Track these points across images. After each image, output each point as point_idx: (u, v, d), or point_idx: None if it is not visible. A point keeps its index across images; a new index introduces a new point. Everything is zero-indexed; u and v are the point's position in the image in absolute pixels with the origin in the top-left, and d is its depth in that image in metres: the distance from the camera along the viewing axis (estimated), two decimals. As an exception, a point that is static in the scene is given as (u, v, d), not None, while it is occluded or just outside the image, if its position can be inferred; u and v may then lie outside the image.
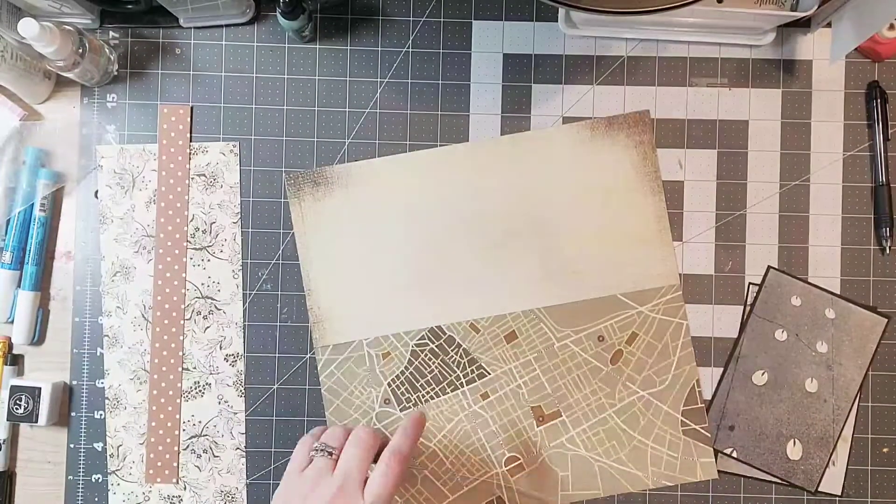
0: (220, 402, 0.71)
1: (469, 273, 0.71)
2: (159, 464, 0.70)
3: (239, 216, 0.71)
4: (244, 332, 0.71)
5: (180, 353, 0.70)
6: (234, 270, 0.71)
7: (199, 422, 0.70)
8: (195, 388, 0.70)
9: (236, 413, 0.71)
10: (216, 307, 0.71)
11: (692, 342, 0.72)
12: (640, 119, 0.72)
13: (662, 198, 0.72)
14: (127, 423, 0.70)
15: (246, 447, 0.71)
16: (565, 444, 0.71)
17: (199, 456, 0.70)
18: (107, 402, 0.70)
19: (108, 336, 0.71)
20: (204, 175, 0.71)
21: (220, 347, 0.71)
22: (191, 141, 0.71)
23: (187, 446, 0.70)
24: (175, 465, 0.70)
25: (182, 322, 0.71)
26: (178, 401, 0.70)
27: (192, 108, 0.72)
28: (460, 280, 0.71)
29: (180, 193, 0.71)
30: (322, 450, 0.58)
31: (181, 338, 0.71)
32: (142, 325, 0.71)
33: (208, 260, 0.71)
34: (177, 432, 0.70)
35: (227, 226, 0.71)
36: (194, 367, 0.71)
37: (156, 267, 0.71)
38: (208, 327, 0.71)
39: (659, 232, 0.72)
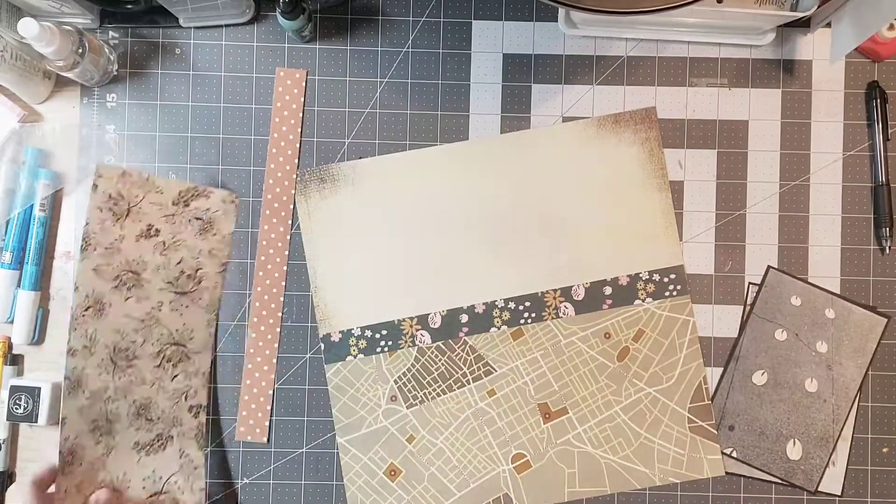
0: (181, 457, 0.68)
1: (477, 270, 0.71)
2: (251, 422, 0.70)
3: (225, 268, 0.70)
4: (245, 333, 0.71)
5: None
6: (209, 320, 0.69)
7: (160, 477, 0.68)
8: (157, 441, 0.67)
9: (196, 468, 0.69)
10: (186, 355, 0.69)
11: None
12: (646, 116, 0.72)
13: (669, 194, 0.72)
14: (81, 482, 0.64)
15: (244, 446, 0.71)
16: (572, 441, 0.71)
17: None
18: (60, 455, 0.63)
19: (69, 378, 0.63)
20: (201, 219, 0.69)
21: (186, 398, 0.69)
22: (304, 107, 0.71)
23: None
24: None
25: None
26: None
27: (306, 73, 0.72)
28: (468, 277, 0.71)
29: (290, 157, 0.70)
30: None
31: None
32: (109, 369, 0.65)
33: (186, 306, 0.69)
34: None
35: (211, 274, 0.69)
36: (158, 418, 0.67)
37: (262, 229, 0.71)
38: (176, 376, 0.68)
39: (665, 228, 0.72)
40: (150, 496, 0.66)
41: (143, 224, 0.67)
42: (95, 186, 0.65)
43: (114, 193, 0.66)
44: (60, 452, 0.63)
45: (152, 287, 0.67)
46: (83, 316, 0.64)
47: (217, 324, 0.70)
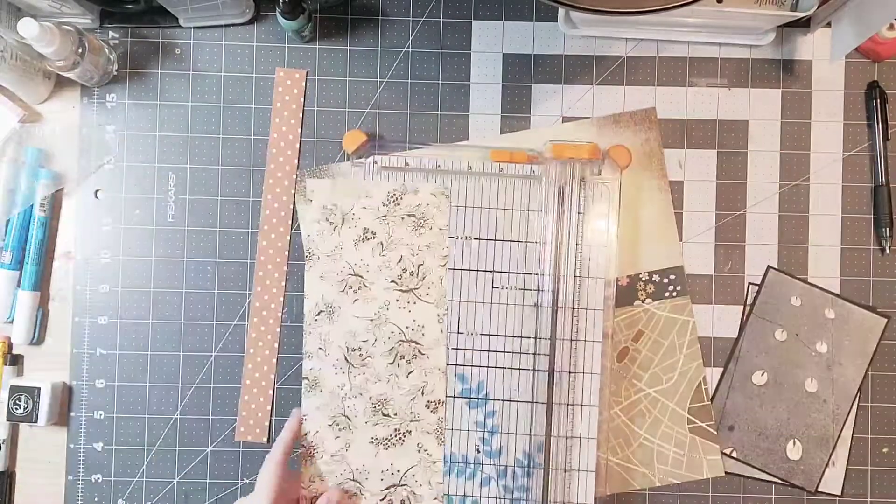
0: (419, 451, 0.69)
1: (475, 269, 0.71)
2: (251, 422, 0.71)
3: (447, 258, 0.69)
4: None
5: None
6: (438, 315, 0.69)
7: (398, 470, 0.68)
8: (395, 436, 0.68)
9: (435, 461, 0.68)
10: (420, 352, 0.69)
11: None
12: (646, 116, 0.72)
13: (669, 194, 0.72)
14: (323, 472, 0.68)
15: (244, 446, 0.71)
16: (567, 444, 0.72)
17: None
18: (301, 449, 0.68)
19: (307, 378, 0.68)
20: (413, 216, 0.69)
21: (422, 394, 0.69)
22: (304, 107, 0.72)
23: (384, 496, 0.68)
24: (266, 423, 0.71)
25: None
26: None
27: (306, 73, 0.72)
28: (466, 276, 0.71)
29: (290, 157, 0.71)
30: None
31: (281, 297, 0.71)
32: (344, 369, 0.68)
33: (414, 303, 0.69)
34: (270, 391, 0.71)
35: (433, 268, 0.69)
36: (395, 414, 0.68)
37: (262, 229, 0.71)
38: (411, 372, 0.69)
39: (665, 228, 0.72)
40: (388, 488, 0.68)
41: (359, 229, 0.69)
42: (310, 200, 0.69)
43: (328, 204, 0.69)
44: (303, 445, 0.67)
45: (377, 288, 0.68)
46: (315, 320, 0.68)
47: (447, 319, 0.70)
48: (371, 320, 0.69)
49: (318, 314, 0.68)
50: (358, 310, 0.69)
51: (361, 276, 0.69)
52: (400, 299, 0.69)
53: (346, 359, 0.68)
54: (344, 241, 0.69)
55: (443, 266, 0.69)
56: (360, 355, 0.68)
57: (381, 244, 0.69)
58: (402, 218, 0.69)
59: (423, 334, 0.69)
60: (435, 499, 0.68)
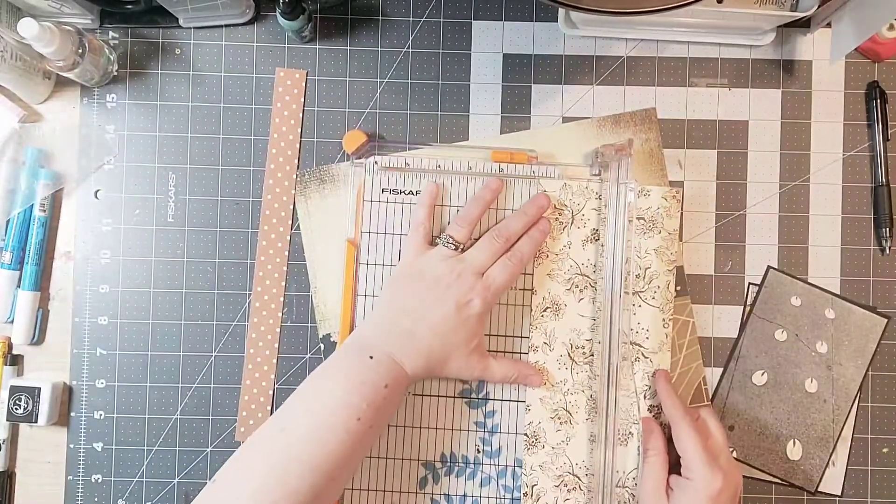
0: (640, 453, 0.68)
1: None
2: (251, 422, 0.71)
3: (674, 264, 0.70)
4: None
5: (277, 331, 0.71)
6: (664, 319, 0.69)
7: (618, 471, 0.68)
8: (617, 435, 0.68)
9: None
10: (643, 355, 0.69)
11: (692, 342, 0.72)
12: (646, 117, 0.72)
13: (667, 196, 0.72)
14: (544, 463, 0.69)
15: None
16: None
17: None
18: (524, 438, 0.69)
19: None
20: (643, 219, 0.69)
21: (645, 397, 0.69)
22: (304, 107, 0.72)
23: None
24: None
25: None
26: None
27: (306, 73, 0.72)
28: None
29: (290, 157, 0.71)
30: (448, 243, 0.65)
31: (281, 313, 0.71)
32: (567, 365, 0.69)
33: (639, 305, 0.69)
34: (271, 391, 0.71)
35: (661, 273, 0.69)
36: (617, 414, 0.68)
37: (262, 231, 0.71)
38: (634, 374, 0.69)
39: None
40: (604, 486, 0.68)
41: (587, 230, 0.70)
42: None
43: (558, 204, 0.70)
44: (525, 434, 0.69)
45: (602, 288, 0.69)
46: (542, 316, 0.69)
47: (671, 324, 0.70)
48: (594, 319, 0.69)
49: (545, 310, 0.69)
50: (583, 308, 0.69)
51: (587, 276, 0.69)
52: (625, 301, 0.68)
53: (569, 355, 0.69)
54: (573, 240, 0.69)
55: (670, 270, 0.69)
56: (584, 353, 0.69)
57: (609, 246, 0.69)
58: (631, 221, 0.68)
59: (647, 337, 0.69)
60: None
